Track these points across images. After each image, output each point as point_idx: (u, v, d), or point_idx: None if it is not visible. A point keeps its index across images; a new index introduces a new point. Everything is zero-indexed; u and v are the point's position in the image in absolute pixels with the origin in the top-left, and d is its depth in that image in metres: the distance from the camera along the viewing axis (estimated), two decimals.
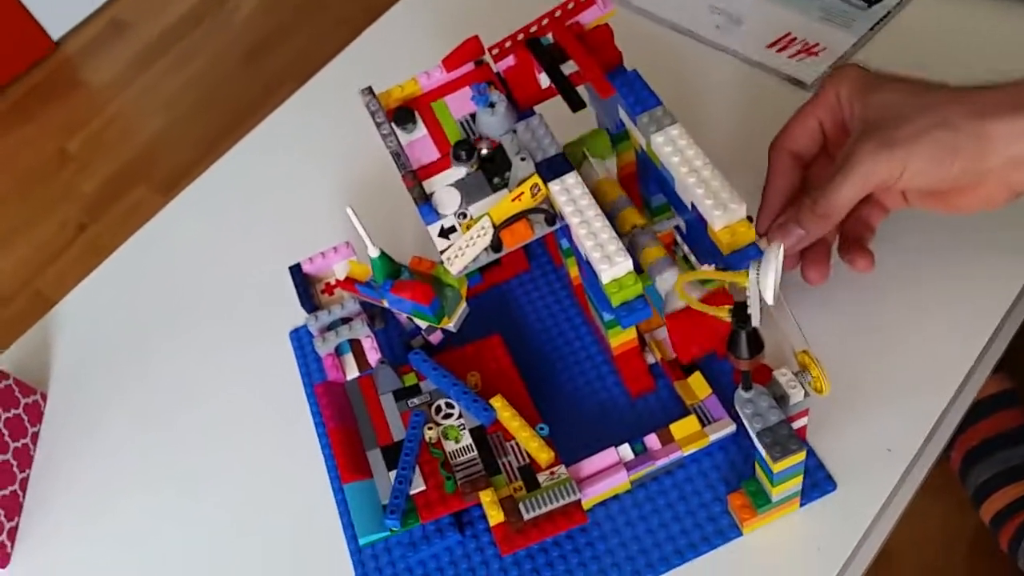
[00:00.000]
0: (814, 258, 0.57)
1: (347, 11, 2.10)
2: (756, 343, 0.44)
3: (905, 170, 0.50)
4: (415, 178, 0.54)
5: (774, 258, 0.42)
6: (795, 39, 0.77)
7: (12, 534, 0.67)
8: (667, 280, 0.50)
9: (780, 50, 0.77)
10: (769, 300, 0.42)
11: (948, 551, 1.14)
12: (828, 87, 0.55)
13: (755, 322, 0.44)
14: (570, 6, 0.55)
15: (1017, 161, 0.48)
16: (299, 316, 0.66)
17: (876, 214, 0.58)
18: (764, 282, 0.42)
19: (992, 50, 0.71)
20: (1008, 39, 0.72)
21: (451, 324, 0.56)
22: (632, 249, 0.51)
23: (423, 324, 0.59)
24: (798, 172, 0.57)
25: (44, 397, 0.75)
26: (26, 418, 0.72)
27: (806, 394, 0.48)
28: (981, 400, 1.07)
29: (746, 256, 0.48)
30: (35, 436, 0.72)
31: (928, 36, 0.74)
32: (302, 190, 0.81)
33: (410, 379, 0.60)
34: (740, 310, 0.44)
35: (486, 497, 0.54)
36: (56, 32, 2.31)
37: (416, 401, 0.59)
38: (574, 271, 0.61)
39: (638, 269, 0.50)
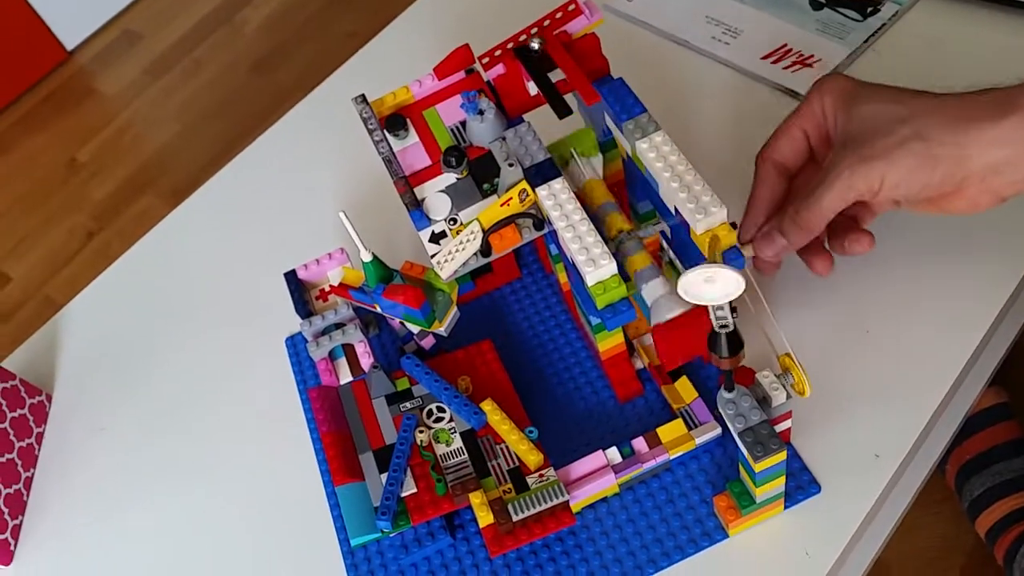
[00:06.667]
0: (815, 252, 0.57)
1: (356, 24, 2.12)
2: (736, 342, 0.45)
3: (884, 182, 0.50)
4: (407, 184, 0.55)
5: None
6: (791, 50, 0.78)
7: (16, 532, 0.68)
8: (654, 289, 0.51)
9: (775, 61, 0.78)
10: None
11: (945, 564, 1.13)
12: (812, 99, 0.55)
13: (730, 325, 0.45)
14: (558, 16, 0.56)
15: (995, 168, 0.49)
16: (296, 322, 0.67)
17: (865, 216, 0.58)
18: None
19: (986, 61, 0.72)
20: (1002, 49, 0.72)
21: (442, 328, 0.57)
22: (618, 256, 0.52)
23: (415, 329, 0.60)
24: (783, 182, 0.57)
25: (49, 398, 0.76)
26: (31, 418, 0.73)
27: (788, 396, 0.48)
28: (975, 414, 1.07)
29: (727, 260, 0.49)
30: (40, 436, 0.74)
31: (923, 47, 0.75)
32: (304, 198, 0.83)
33: (402, 383, 0.61)
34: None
35: (476, 499, 0.54)
36: (70, 42, 2.34)
37: (408, 405, 0.60)
38: (563, 277, 0.62)
39: (624, 277, 0.51)
